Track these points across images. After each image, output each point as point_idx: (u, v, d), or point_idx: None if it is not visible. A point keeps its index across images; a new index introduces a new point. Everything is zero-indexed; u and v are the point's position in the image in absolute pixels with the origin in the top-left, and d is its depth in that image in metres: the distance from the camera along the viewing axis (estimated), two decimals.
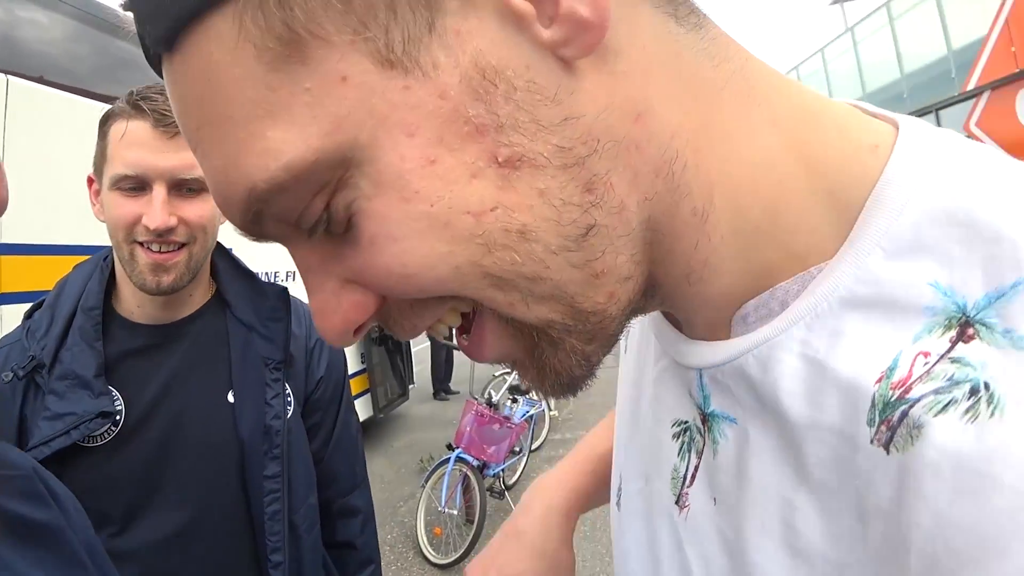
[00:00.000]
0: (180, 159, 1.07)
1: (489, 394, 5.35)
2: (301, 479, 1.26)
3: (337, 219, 0.32)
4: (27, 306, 1.21)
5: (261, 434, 1.17)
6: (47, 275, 3.05)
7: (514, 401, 5.42)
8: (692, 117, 0.35)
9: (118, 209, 1.07)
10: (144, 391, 1.14)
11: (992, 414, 0.26)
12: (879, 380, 0.30)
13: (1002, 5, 7.77)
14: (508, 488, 5.09)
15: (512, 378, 5.75)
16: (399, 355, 7.93)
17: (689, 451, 0.43)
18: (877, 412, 0.29)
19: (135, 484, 1.11)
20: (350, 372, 6.37)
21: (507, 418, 4.76)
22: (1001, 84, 7.73)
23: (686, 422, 0.43)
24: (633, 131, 0.33)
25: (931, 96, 10.05)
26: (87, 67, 4.21)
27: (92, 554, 0.73)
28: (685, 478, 0.43)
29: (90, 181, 1.16)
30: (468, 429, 4.55)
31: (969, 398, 0.27)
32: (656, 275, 0.38)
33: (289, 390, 1.26)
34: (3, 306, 3.15)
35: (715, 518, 0.39)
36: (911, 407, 0.28)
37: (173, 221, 1.07)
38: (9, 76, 3.46)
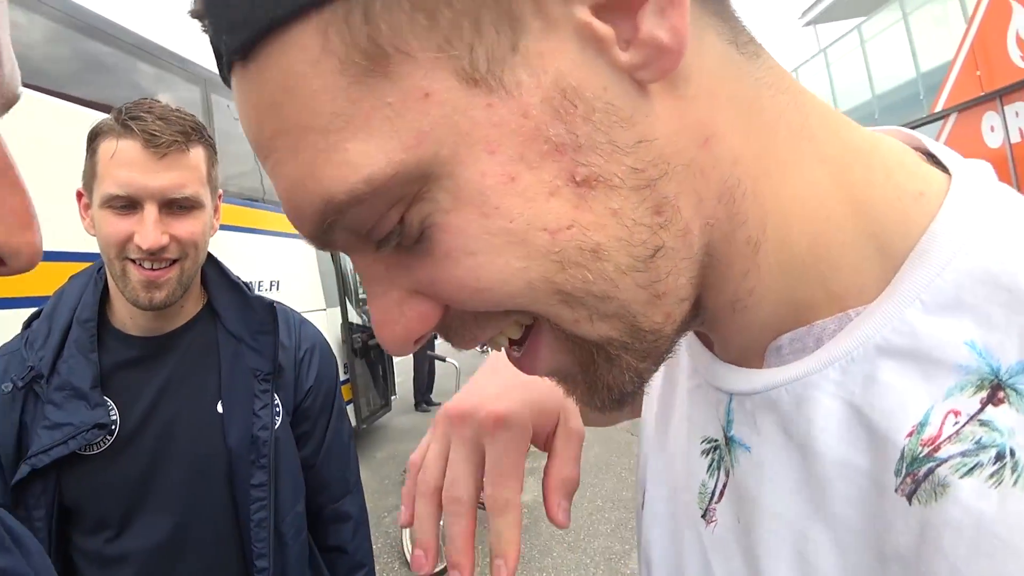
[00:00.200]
0: (170, 179, 1.10)
1: None
2: (288, 488, 1.29)
3: (410, 231, 0.33)
4: (16, 312, 1.26)
5: (248, 444, 1.21)
6: (40, 282, 3.05)
7: None
8: (752, 145, 0.35)
9: (110, 227, 1.10)
10: (137, 401, 1.18)
11: (1016, 482, 0.27)
12: (910, 434, 0.30)
13: (967, 30, 8.04)
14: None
15: None
16: (381, 366, 7.93)
17: (719, 469, 0.43)
18: (904, 464, 0.30)
19: (130, 490, 1.16)
20: None
21: None
22: (967, 107, 7.99)
23: (716, 440, 0.44)
24: (700, 156, 0.34)
25: (901, 117, 10.33)
26: (71, 70, 4.21)
27: None
28: (713, 494, 0.43)
29: (79, 195, 1.18)
30: None
31: (995, 463, 0.27)
32: (704, 299, 0.39)
33: (278, 400, 1.28)
34: None
35: (738, 535, 0.40)
36: (939, 466, 0.29)
37: (165, 240, 1.10)
38: None
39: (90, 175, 1.13)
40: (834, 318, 0.36)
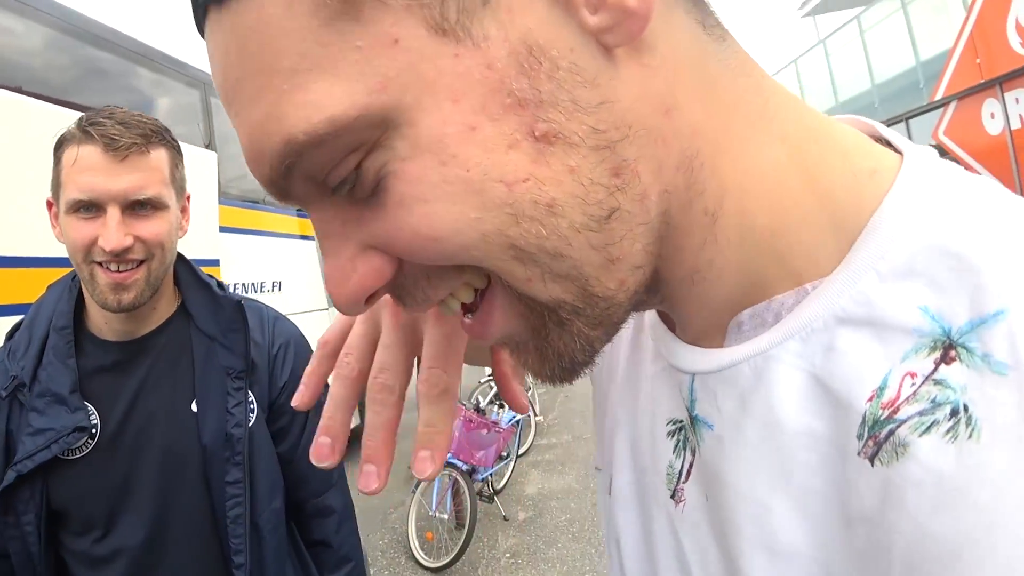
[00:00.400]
0: (131, 181, 1.12)
1: (476, 400, 5.42)
2: (265, 484, 1.31)
3: (365, 180, 0.33)
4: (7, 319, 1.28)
5: (223, 441, 1.23)
6: (30, 288, 3.06)
7: (500, 407, 5.48)
8: (712, 121, 0.36)
9: (75, 232, 1.12)
10: (116, 404, 1.21)
11: (970, 436, 0.28)
12: (870, 399, 0.32)
13: (967, 19, 8.02)
14: (497, 492, 5.15)
15: None
16: None
17: (684, 449, 0.44)
18: (866, 428, 0.31)
19: (113, 491, 1.19)
20: None
21: (495, 423, 4.82)
22: (967, 94, 7.98)
23: (680, 421, 0.45)
24: (661, 124, 0.34)
25: (901, 106, 10.31)
26: (65, 77, 4.21)
27: None
28: (681, 474, 0.44)
29: (49, 205, 1.21)
30: (457, 434, 4.60)
31: (950, 419, 0.29)
32: (662, 271, 0.39)
33: (252, 397, 1.30)
34: None
35: (707, 513, 0.41)
36: (898, 427, 0.30)
37: (128, 241, 1.12)
38: None
39: (56, 184, 1.16)
40: (791, 292, 0.37)
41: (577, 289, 0.35)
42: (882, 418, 0.31)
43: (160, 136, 1.19)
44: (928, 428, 0.29)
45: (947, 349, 0.30)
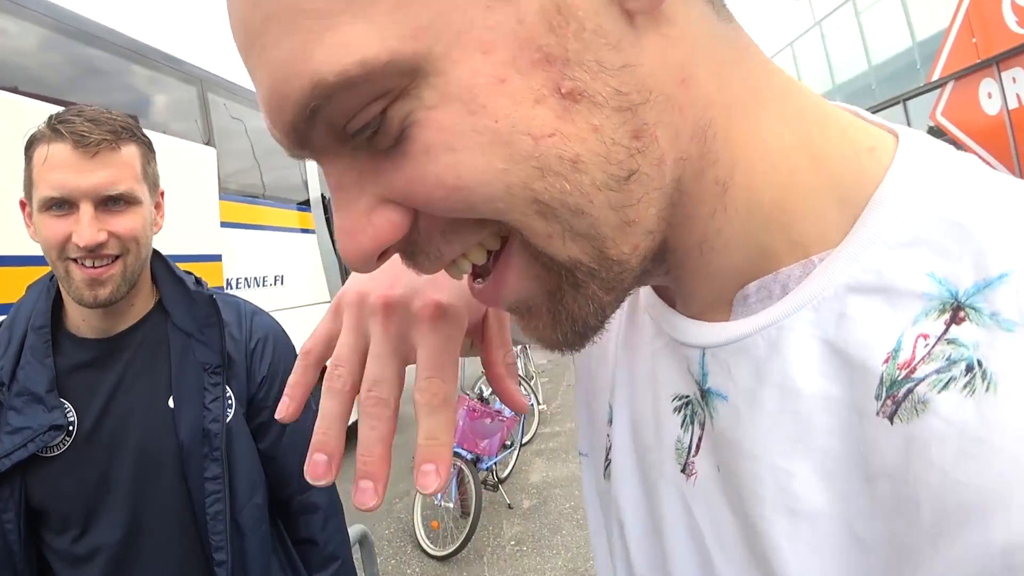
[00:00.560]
0: (103, 177, 1.13)
1: (480, 389, 5.44)
2: (244, 480, 1.30)
3: (390, 128, 0.33)
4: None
5: (200, 437, 1.22)
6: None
7: None
8: (724, 95, 0.38)
9: (48, 230, 1.13)
10: (93, 402, 1.21)
11: (987, 389, 0.29)
12: (886, 361, 0.33)
13: None
14: (501, 481, 5.18)
15: None
16: None
17: (692, 423, 0.45)
18: (884, 388, 0.32)
19: (91, 490, 1.19)
20: None
21: (498, 412, 4.84)
22: (964, 74, 7.95)
23: (687, 396, 0.45)
24: (678, 92, 0.35)
25: (898, 87, 10.26)
26: (62, 77, 4.20)
27: None
28: (690, 448, 0.45)
29: (22, 205, 1.21)
30: (461, 423, 4.62)
31: (966, 374, 0.30)
32: (671, 240, 0.40)
33: (230, 392, 1.30)
34: None
35: (721, 484, 0.41)
36: (916, 385, 0.31)
37: (102, 236, 1.12)
38: None
39: (28, 183, 1.17)
40: (798, 264, 0.38)
41: (594, 250, 0.36)
42: (899, 378, 0.32)
43: (130, 132, 1.19)
44: (946, 384, 0.30)
45: (956, 310, 0.32)
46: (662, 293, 0.50)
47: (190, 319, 1.29)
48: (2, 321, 1.27)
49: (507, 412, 4.99)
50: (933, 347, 0.32)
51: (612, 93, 0.33)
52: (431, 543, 4.42)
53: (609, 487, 0.55)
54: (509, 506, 5.03)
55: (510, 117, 0.32)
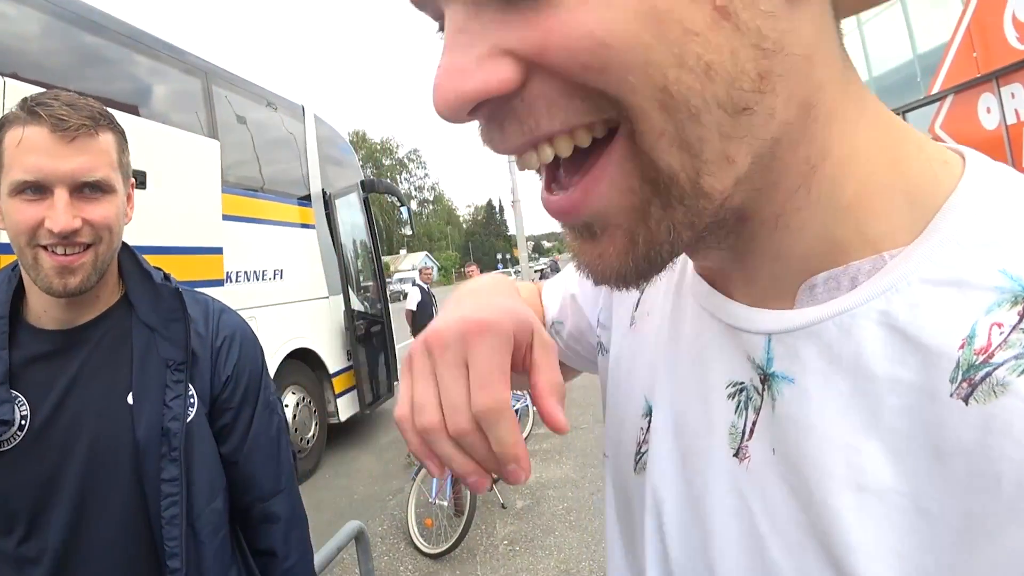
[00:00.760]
0: (80, 162, 1.09)
1: None
2: (203, 483, 1.24)
3: None
4: None
5: (158, 436, 1.17)
6: None
7: None
8: (833, 87, 0.40)
9: (19, 214, 1.08)
10: (48, 395, 1.15)
11: None
12: (961, 347, 0.34)
13: (964, 11, 8.04)
14: (496, 481, 5.20)
15: None
16: (383, 353, 7.99)
17: (747, 408, 0.46)
18: (960, 372, 0.34)
19: (41, 487, 1.13)
20: (336, 370, 6.38)
21: None
22: (964, 88, 7.99)
23: (741, 382, 0.47)
24: (803, 64, 0.37)
25: (898, 99, 10.32)
26: (65, 64, 4.20)
27: None
28: (744, 432, 0.46)
29: None
30: None
31: None
32: (750, 207, 0.41)
33: (193, 391, 1.24)
34: None
35: (776, 467, 0.42)
36: (995, 369, 0.33)
37: (77, 223, 1.08)
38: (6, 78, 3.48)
39: None
40: (868, 260, 0.40)
41: (692, 170, 0.36)
42: (977, 363, 0.34)
43: (107, 119, 1.17)
44: None
45: None
46: (714, 282, 0.51)
47: (155, 313, 1.24)
48: None
49: None
50: (1009, 335, 0.33)
51: (755, 30, 0.35)
52: (424, 541, 4.44)
53: (641, 480, 0.56)
54: (503, 506, 5.05)
55: (668, 0, 0.33)
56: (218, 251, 4.98)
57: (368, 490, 5.92)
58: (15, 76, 3.60)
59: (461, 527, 4.28)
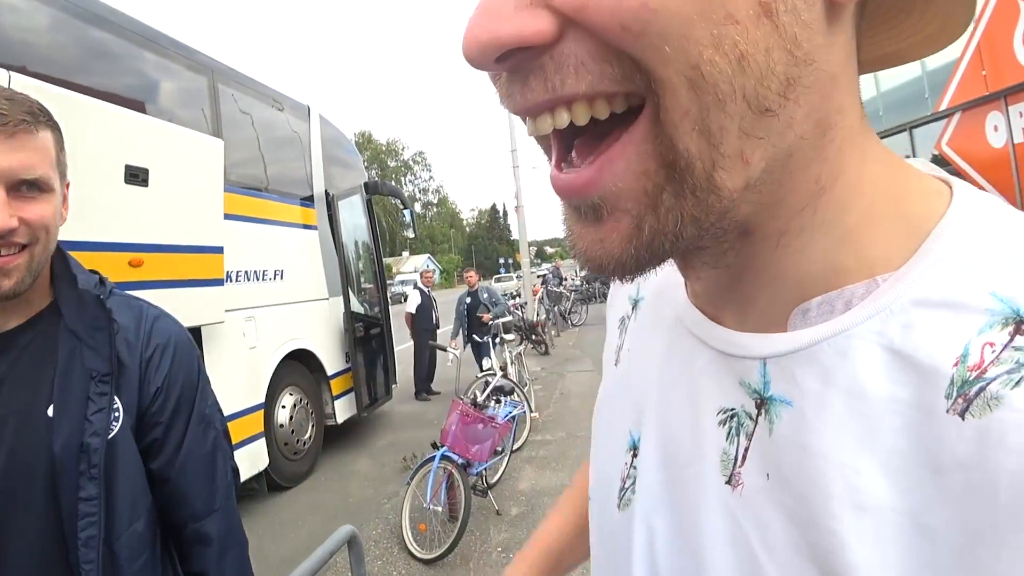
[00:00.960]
0: (19, 159, 1.04)
1: (474, 394, 5.44)
2: (125, 503, 1.15)
3: None
4: None
5: (77, 452, 1.09)
6: None
7: (497, 402, 5.50)
8: (852, 111, 0.42)
9: None
10: None
11: None
12: (955, 364, 0.35)
13: (974, 30, 8.03)
14: (491, 487, 5.18)
15: (496, 380, 5.84)
16: (382, 355, 7.98)
17: (738, 435, 0.46)
18: (955, 388, 0.35)
19: None
20: (334, 372, 6.37)
21: (491, 418, 4.84)
22: (972, 106, 7.98)
23: (732, 409, 0.47)
24: (828, 84, 0.39)
25: (905, 115, 10.30)
26: (70, 59, 4.18)
27: None
28: (736, 459, 0.45)
29: None
30: (453, 428, 4.63)
31: None
32: (754, 221, 0.42)
33: (119, 403, 1.16)
34: None
35: (770, 492, 0.42)
36: (988, 384, 0.34)
37: (14, 223, 1.03)
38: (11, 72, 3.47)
39: None
40: (862, 284, 0.41)
41: (708, 160, 0.37)
42: (971, 379, 0.35)
43: (47, 116, 1.11)
44: (1018, 382, 0.33)
45: (1018, 323, 0.35)
46: (705, 310, 0.52)
47: (80, 321, 1.17)
48: None
49: (500, 419, 5.00)
50: (1000, 353, 0.34)
51: (792, 35, 0.35)
52: (418, 546, 4.41)
53: (626, 517, 0.56)
54: (497, 512, 5.02)
55: None
56: (219, 250, 4.96)
57: (363, 493, 5.89)
58: (23, 70, 3.60)
59: (455, 533, 4.26)
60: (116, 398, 1.15)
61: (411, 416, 8.71)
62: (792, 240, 0.42)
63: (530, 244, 21.54)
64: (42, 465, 1.08)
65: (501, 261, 67.13)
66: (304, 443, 6.46)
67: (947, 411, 0.35)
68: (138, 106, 4.58)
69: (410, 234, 10.05)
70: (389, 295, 8.83)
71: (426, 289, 10.49)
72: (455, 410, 4.74)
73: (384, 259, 9.17)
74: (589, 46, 0.36)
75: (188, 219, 4.69)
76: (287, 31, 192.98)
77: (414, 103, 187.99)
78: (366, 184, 8.32)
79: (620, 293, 0.71)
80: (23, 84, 3.39)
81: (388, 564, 4.44)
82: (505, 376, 6.44)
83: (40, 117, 1.09)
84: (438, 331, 10.52)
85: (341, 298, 7.19)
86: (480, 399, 5.21)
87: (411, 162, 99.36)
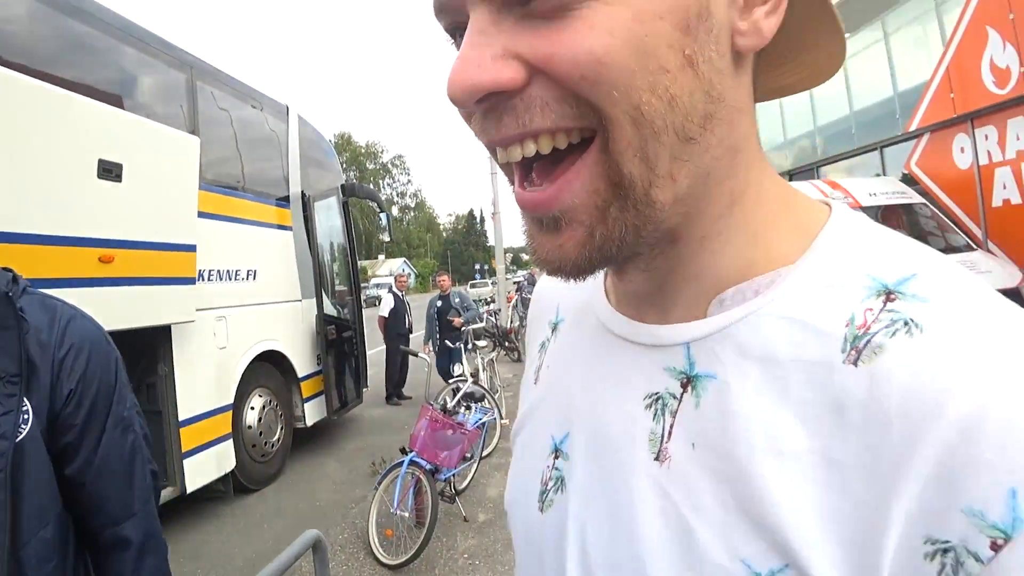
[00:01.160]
0: None
1: (444, 400, 5.43)
2: (33, 508, 1.11)
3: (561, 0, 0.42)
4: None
5: None
6: (13, 265, 2.97)
7: (467, 408, 5.48)
8: (753, 140, 0.52)
9: None
10: None
11: (921, 332, 0.42)
12: (847, 325, 0.44)
13: (944, 53, 8.21)
14: (459, 493, 5.16)
15: (466, 386, 5.84)
16: (353, 359, 7.93)
17: (663, 414, 0.52)
18: (847, 343, 0.44)
19: None
20: (305, 374, 6.32)
21: (461, 424, 4.83)
22: (940, 127, 8.16)
23: (657, 392, 0.53)
24: (736, 115, 0.48)
25: (877, 134, 10.49)
26: (48, 50, 4.13)
27: None
28: (663, 435, 0.51)
29: None
30: (422, 433, 4.61)
31: (904, 326, 0.42)
32: (680, 230, 0.50)
33: (28, 406, 1.11)
34: None
35: (697, 458, 0.48)
36: (872, 337, 0.43)
37: None
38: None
39: None
40: (767, 275, 0.50)
41: (646, 180, 0.45)
42: (859, 335, 0.44)
43: None
44: (894, 333, 0.42)
45: (888, 294, 0.45)
46: (629, 314, 0.58)
47: None
48: None
49: (469, 425, 5.00)
50: (878, 314, 0.44)
51: (708, 80, 0.44)
52: (384, 551, 4.38)
53: (554, 518, 0.59)
54: (465, 519, 5.01)
55: (654, 40, 0.42)
56: (191, 248, 4.90)
57: (331, 497, 5.85)
58: None
59: (421, 539, 4.24)
60: (25, 400, 1.11)
61: (381, 420, 8.66)
62: (711, 243, 0.51)
63: (506, 251, 21.54)
64: None
65: (477, 267, 67.02)
66: (272, 445, 6.39)
67: (843, 362, 0.43)
68: (115, 100, 4.52)
69: (386, 238, 10.01)
70: (363, 298, 8.77)
71: (400, 293, 10.43)
72: (424, 416, 4.72)
73: (359, 262, 9.10)
74: (553, 90, 0.44)
75: (161, 216, 4.63)
76: (269, 29, 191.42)
77: (395, 106, 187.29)
78: (343, 186, 8.27)
79: (540, 320, 0.77)
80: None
81: (353, 569, 4.40)
82: (476, 382, 6.44)
83: None
84: (411, 335, 10.48)
85: (314, 300, 7.14)
86: (450, 405, 5.20)
87: (390, 165, 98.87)
